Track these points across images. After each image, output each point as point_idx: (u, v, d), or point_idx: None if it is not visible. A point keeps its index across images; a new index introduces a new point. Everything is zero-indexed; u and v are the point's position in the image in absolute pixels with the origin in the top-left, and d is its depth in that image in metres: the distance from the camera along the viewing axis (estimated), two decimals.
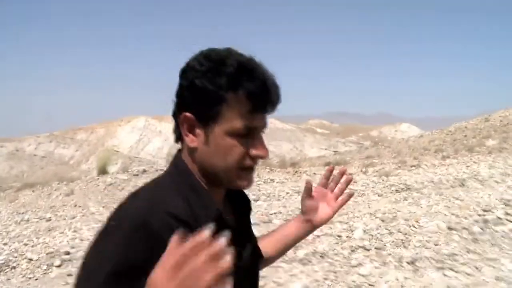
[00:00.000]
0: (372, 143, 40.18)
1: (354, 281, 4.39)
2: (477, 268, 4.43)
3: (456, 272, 4.40)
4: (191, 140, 1.06)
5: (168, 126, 48.64)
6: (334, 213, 1.41)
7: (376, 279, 4.38)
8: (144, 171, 12.34)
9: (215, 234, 0.98)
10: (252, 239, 1.25)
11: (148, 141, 48.10)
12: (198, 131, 1.05)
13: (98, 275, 0.91)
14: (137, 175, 12.14)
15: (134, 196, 1.05)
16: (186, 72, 1.06)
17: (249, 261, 1.16)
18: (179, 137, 1.11)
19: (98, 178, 12.55)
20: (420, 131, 47.16)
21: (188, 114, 1.04)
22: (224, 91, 1.01)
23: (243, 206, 1.24)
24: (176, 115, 1.09)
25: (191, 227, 0.95)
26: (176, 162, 1.12)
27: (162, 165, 14.11)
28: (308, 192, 1.41)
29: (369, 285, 4.30)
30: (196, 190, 1.07)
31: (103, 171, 12.98)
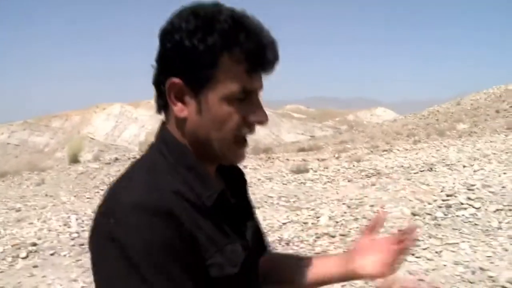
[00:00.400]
0: (348, 127, 40.58)
1: None
2: (437, 253, 4.53)
3: (417, 257, 4.49)
4: (180, 109, 0.94)
5: (144, 112, 48.27)
6: (381, 274, 1.13)
7: None
8: (116, 159, 12.24)
9: (219, 212, 0.95)
10: (253, 216, 1.15)
11: (124, 128, 47.69)
12: (188, 98, 0.94)
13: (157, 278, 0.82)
14: (109, 163, 12.03)
15: (128, 183, 0.92)
16: (170, 32, 0.93)
17: (252, 239, 1.06)
18: (162, 107, 0.99)
19: (69, 167, 12.43)
20: (395, 115, 47.77)
21: (175, 79, 0.92)
22: (218, 51, 0.90)
23: (237, 179, 1.13)
24: (158, 82, 0.97)
25: (196, 206, 0.91)
26: (164, 137, 0.99)
27: (136, 152, 14.01)
28: (374, 224, 1.20)
29: None
30: (193, 169, 0.96)
31: (74, 159, 12.83)
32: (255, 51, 0.91)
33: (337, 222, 5.43)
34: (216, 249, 0.92)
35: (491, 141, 12.07)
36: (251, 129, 0.98)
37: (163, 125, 1.01)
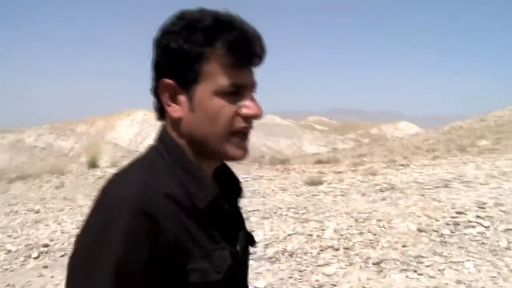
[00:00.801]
0: (370, 140, 40.25)
1: (317, 281, 4.44)
2: (440, 271, 4.48)
3: (419, 274, 4.45)
4: (174, 109, 0.98)
5: None
6: None
7: (339, 279, 4.44)
8: None
9: (211, 216, 0.98)
10: (244, 225, 1.16)
11: (147, 135, 48.18)
12: (180, 97, 0.97)
13: (101, 273, 0.86)
14: None
15: (123, 177, 0.97)
16: (160, 39, 0.99)
17: (243, 246, 1.09)
18: (160, 112, 1.03)
19: (88, 172, 12.68)
20: (419, 129, 47.18)
21: (167, 80, 0.97)
22: (201, 47, 0.94)
23: (232, 187, 1.14)
24: (154, 89, 1.01)
25: (187, 209, 0.94)
26: (163, 139, 1.03)
27: None
28: None
29: (332, 285, 4.36)
30: (190, 171, 0.98)
31: (93, 164, 13.07)
32: (238, 44, 0.95)
33: (341, 235, 5.41)
34: (202, 254, 0.94)
35: None
36: (247, 123, 0.99)
37: (163, 127, 1.04)
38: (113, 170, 12.57)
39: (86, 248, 0.90)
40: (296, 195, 8.96)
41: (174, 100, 0.98)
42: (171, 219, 0.91)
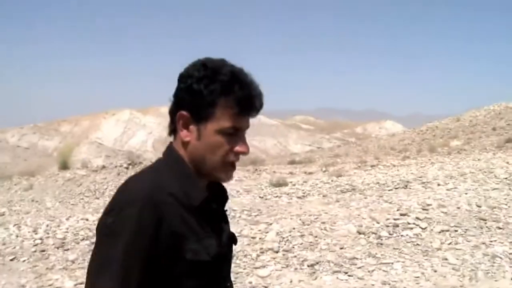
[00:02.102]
0: (357, 139, 40.48)
1: (250, 283, 4.56)
2: (369, 272, 4.61)
3: (349, 275, 4.58)
4: (185, 135, 1.26)
5: (152, 119, 48.65)
6: None
7: (272, 280, 4.56)
8: (104, 167, 12.47)
9: (203, 213, 1.25)
10: (228, 226, 1.42)
11: (133, 134, 47.99)
12: (192, 127, 1.25)
13: (117, 247, 1.14)
14: (96, 171, 12.25)
15: (137, 179, 1.26)
16: (185, 77, 1.25)
17: (226, 244, 1.35)
18: (172, 131, 1.30)
19: (58, 174, 12.68)
20: (403, 128, 47.50)
21: (184, 112, 1.24)
22: (217, 96, 1.21)
23: (221, 195, 1.41)
24: (172, 112, 1.28)
25: (185, 206, 1.21)
26: (171, 153, 1.30)
27: (124, 161, 14.19)
28: None
29: (264, 286, 4.47)
30: (188, 177, 1.26)
31: (64, 166, 13.07)
32: (245, 99, 1.23)
33: (283, 237, 5.53)
34: (195, 239, 1.20)
35: (478, 159, 12.04)
36: (236, 158, 1.28)
37: (171, 144, 1.32)
38: (83, 172, 12.63)
39: (107, 227, 1.17)
40: (260, 197, 9.08)
41: (187, 127, 1.26)
42: (172, 212, 1.19)
